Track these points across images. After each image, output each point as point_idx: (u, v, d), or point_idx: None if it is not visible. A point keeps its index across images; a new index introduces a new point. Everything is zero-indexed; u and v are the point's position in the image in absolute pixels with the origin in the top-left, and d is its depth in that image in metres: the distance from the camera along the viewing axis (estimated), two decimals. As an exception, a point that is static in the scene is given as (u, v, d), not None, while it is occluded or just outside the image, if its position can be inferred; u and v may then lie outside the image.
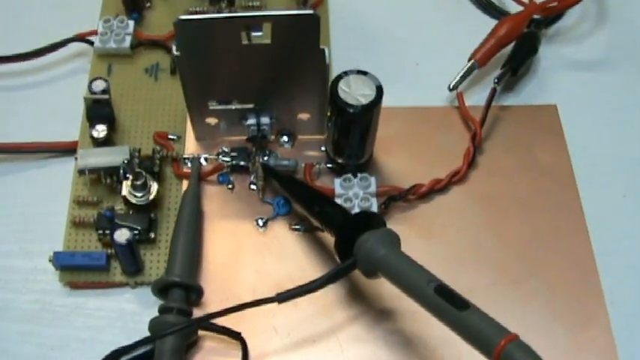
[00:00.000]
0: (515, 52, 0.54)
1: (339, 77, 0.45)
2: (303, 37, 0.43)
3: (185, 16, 0.42)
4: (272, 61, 0.44)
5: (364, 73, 0.45)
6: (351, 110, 0.44)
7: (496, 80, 0.52)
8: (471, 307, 0.36)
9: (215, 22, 0.42)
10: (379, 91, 0.45)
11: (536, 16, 0.55)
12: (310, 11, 0.42)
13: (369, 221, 0.42)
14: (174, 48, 0.44)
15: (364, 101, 0.44)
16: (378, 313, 0.45)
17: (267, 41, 0.43)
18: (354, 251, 0.41)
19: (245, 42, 0.43)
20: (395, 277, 0.40)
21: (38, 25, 0.57)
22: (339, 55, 0.45)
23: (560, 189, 0.50)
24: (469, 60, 0.53)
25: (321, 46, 0.44)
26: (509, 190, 0.50)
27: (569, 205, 0.49)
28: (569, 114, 0.53)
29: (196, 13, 0.56)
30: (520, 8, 0.55)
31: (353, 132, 0.46)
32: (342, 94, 0.44)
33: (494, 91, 0.52)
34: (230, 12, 0.54)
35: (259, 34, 0.43)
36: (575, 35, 0.58)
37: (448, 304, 0.37)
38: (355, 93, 0.44)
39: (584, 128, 0.53)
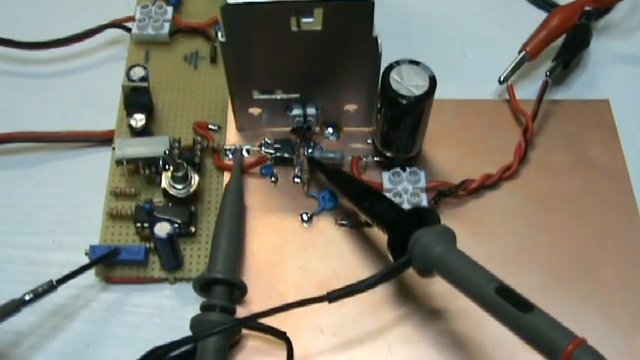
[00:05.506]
0: (567, 44, 0.52)
1: (390, 67, 0.43)
2: (356, 24, 0.41)
3: (232, 0, 0.40)
4: (321, 48, 0.43)
5: (416, 62, 0.44)
6: (404, 102, 0.42)
7: (548, 73, 0.50)
8: (535, 309, 0.35)
9: (264, 6, 0.40)
10: (432, 81, 0.43)
11: (587, 8, 0.54)
12: (364, -4, 0.40)
13: (423, 217, 0.40)
14: (219, 34, 0.42)
15: (417, 92, 0.43)
16: (427, 313, 0.43)
17: (318, 28, 0.41)
18: (408, 248, 0.39)
19: (294, 28, 0.41)
20: (452, 276, 0.38)
21: (73, 11, 0.56)
22: (383, 46, 0.43)
23: (613, 187, 0.48)
24: (519, 52, 0.51)
25: (374, 34, 0.42)
26: (561, 187, 0.48)
27: (623, 204, 0.48)
28: (622, 109, 0.51)
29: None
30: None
31: (404, 124, 0.44)
32: (394, 85, 0.43)
33: (546, 84, 0.50)
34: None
35: (310, 20, 0.41)
36: (625, 29, 0.57)
37: (510, 305, 0.35)
38: (407, 84, 0.43)
39: (637, 124, 0.51)
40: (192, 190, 0.45)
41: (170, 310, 0.44)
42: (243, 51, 0.43)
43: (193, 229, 0.45)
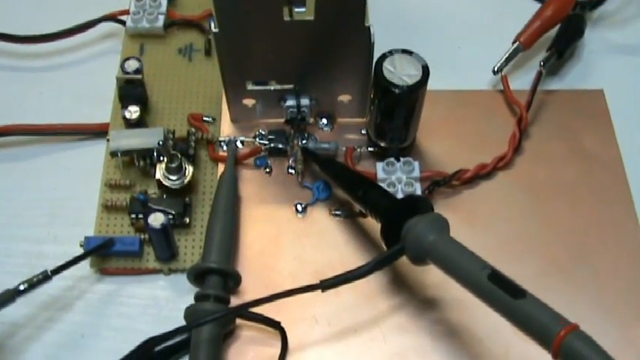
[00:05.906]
0: (561, 34, 0.52)
1: (383, 56, 0.43)
2: (348, 14, 0.41)
3: (225, -10, 0.40)
4: (314, 38, 0.43)
5: (409, 52, 0.44)
6: (397, 91, 0.42)
7: (542, 63, 0.50)
8: (528, 295, 0.35)
9: (256, -4, 0.40)
10: (425, 71, 0.43)
11: (581, -2, 0.54)
12: (356, -14, 0.40)
13: (416, 205, 0.41)
14: (212, 25, 0.42)
15: (410, 81, 0.43)
16: (422, 302, 0.43)
17: (310, 17, 0.41)
18: (401, 237, 0.39)
19: (287, 18, 0.41)
20: (445, 264, 0.38)
21: (68, 5, 0.56)
22: (377, 37, 0.44)
23: (608, 176, 0.48)
24: (513, 42, 0.51)
25: (367, 24, 0.42)
26: (555, 176, 0.48)
27: (617, 193, 0.48)
28: (616, 99, 0.51)
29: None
30: (565, -10, 0.54)
31: (397, 114, 0.44)
32: (387, 74, 0.43)
33: (540, 74, 0.50)
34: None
35: (302, 9, 0.41)
36: (619, 19, 0.57)
37: (503, 291, 0.35)
38: (400, 73, 0.43)
39: (632, 114, 0.51)
40: (186, 181, 0.45)
41: (165, 301, 0.44)
42: (236, 41, 0.43)
43: (188, 220, 0.45)
